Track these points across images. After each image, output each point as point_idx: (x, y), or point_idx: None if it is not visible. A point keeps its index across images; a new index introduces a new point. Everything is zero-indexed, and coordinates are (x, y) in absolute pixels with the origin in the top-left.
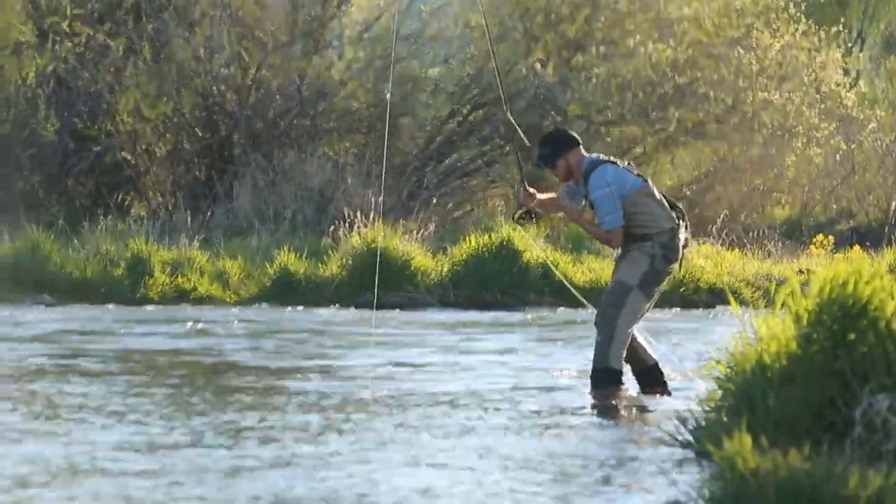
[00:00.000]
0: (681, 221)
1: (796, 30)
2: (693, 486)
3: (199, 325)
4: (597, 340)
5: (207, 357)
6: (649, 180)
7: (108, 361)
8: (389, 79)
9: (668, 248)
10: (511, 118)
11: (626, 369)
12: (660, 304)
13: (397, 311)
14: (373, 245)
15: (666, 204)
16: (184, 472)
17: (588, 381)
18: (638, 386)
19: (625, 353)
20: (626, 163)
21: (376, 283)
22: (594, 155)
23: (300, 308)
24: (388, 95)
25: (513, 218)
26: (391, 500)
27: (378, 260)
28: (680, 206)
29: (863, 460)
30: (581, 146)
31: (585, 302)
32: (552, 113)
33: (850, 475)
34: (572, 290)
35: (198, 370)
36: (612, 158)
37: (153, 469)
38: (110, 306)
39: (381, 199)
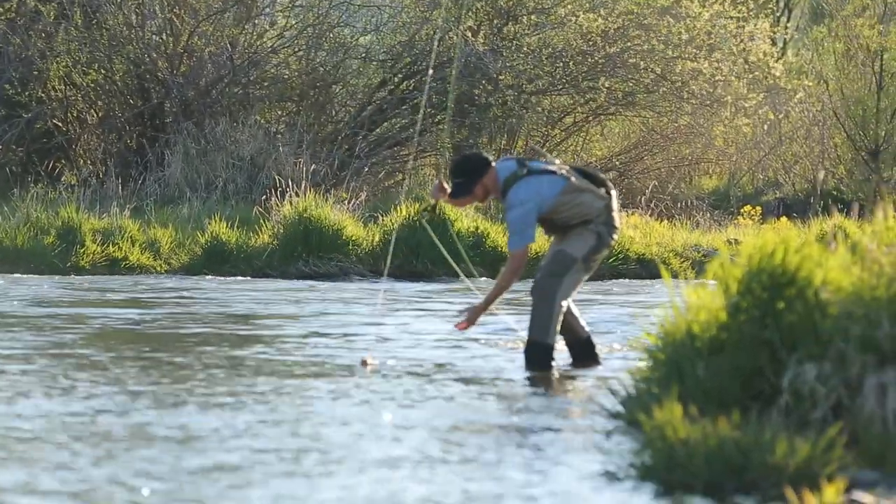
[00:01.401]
0: (610, 193)
1: None
2: (623, 456)
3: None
4: (533, 311)
5: (167, 326)
6: (571, 176)
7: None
8: (432, 50)
9: (610, 225)
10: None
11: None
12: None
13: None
14: (305, 214)
15: (591, 185)
16: (129, 439)
17: (521, 351)
18: (571, 358)
19: (560, 325)
20: (544, 155)
21: (389, 255)
22: (507, 163)
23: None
24: (429, 72)
25: (418, 211)
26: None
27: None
28: (603, 176)
29: (790, 428)
30: (493, 164)
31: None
32: (483, 82)
33: (778, 443)
34: (452, 263)
35: (156, 340)
36: (527, 163)
37: (96, 436)
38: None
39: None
